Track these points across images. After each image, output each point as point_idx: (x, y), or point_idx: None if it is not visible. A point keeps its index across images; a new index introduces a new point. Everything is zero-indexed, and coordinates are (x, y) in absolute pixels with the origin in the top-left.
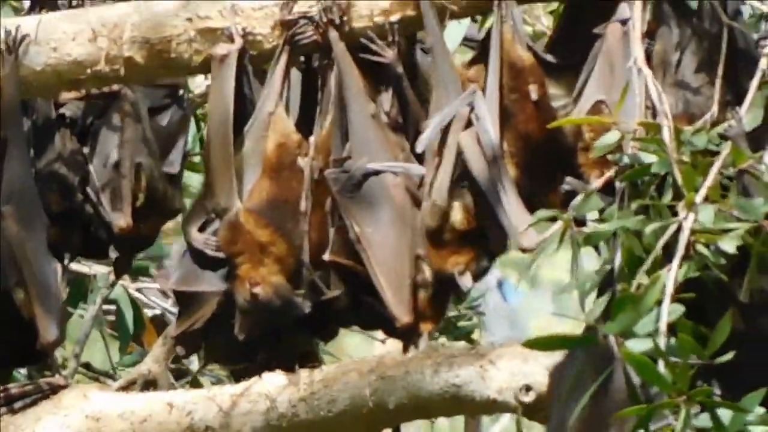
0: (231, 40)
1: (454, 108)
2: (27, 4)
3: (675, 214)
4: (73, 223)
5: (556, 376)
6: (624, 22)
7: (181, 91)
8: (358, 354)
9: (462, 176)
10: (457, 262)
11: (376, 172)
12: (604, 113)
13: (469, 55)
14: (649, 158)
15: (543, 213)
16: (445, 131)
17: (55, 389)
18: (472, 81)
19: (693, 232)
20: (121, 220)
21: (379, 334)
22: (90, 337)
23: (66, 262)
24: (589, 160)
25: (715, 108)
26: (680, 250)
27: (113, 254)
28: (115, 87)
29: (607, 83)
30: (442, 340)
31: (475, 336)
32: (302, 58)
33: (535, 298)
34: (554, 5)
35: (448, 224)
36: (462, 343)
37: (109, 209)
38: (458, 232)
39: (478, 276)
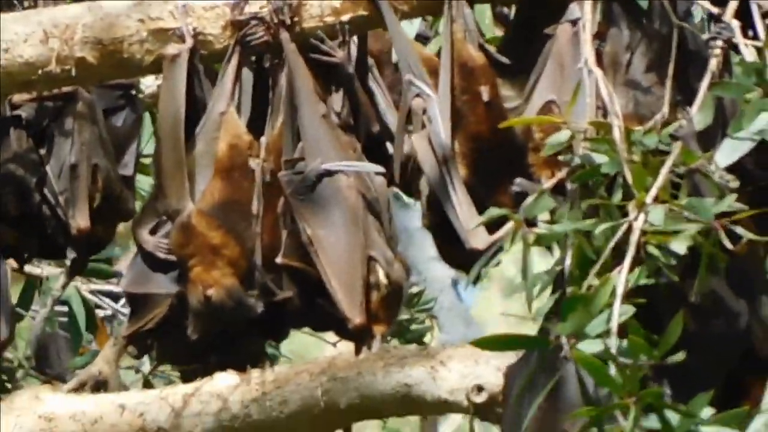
0: (182, 40)
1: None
2: None
3: (626, 214)
4: (30, 225)
5: (509, 376)
6: (574, 23)
7: (134, 92)
8: (309, 356)
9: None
10: None
11: (331, 173)
12: (555, 113)
13: None
14: (599, 158)
15: (493, 212)
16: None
17: None
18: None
19: (643, 232)
20: (79, 221)
21: (331, 337)
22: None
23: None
24: (540, 160)
25: (665, 108)
26: (631, 251)
27: (70, 255)
28: (70, 88)
29: (558, 84)
30: (394, 342)
31: (427, 339)
32: (254, 59)
33: (490, 298)
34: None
35: None
36: (414, 345)
37: (67, 211)
38: None
39: None
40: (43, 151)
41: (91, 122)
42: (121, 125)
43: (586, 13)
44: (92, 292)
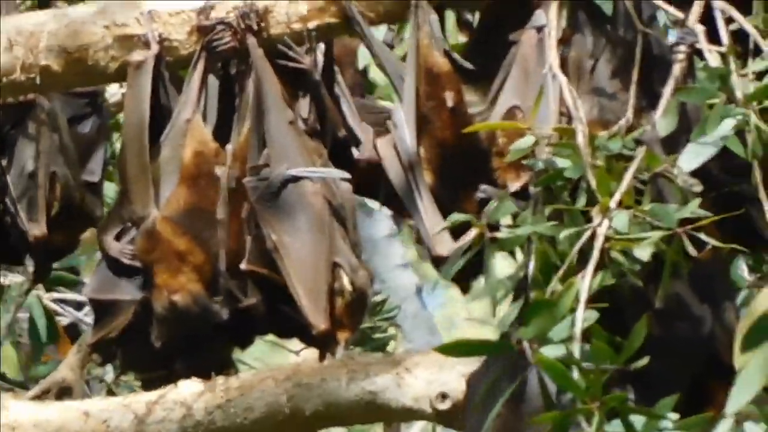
0: (147, 46)
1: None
2: None
3: (589, 219)
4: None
5: (472, 383)
6: (539, 29)
7: (99, 99)
8: (271, 363)
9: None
10: None
11: (296, 178)
12: (519, 119)
13: None
14: (563, 163)
15: (456, 217)
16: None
17: None
18: None
19: (607, 238)
20: (36, 229)
21: (294, 345)
22: (2, 346)
23: None
24: (504, 165)
25: (630, 113)
26: (595, 256)
27: (29, 263)
28: (30, 96)
29: (522, 89)
30: (358, 351)
31: (390, 348)
32: (220, 65)
33: (455, 302)
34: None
35: None
36: (379, 353)
37: (25, 218)
38: None
39: None
40: (3, 160)
41: (51, 130)
42: (87, 132)
43: (551, 19)
44: (54, 300)
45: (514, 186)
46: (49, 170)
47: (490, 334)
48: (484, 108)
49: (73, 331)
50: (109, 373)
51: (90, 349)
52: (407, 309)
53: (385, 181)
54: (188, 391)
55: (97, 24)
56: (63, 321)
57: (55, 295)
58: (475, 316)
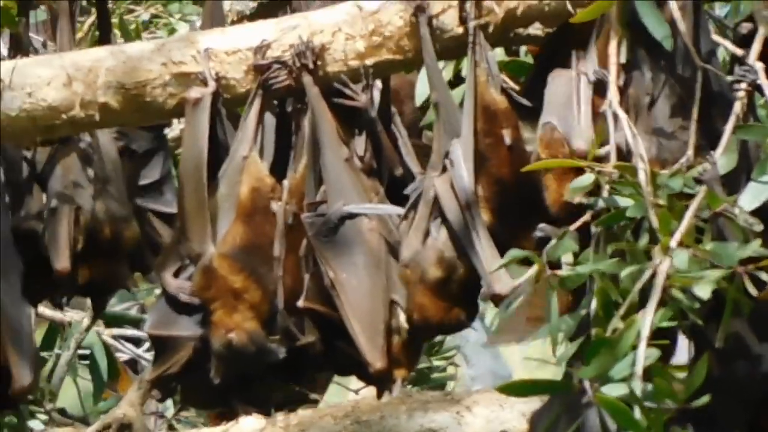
0: (205, 84)
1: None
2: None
3: (651, 257)
4: (43, 270)
5: (533, 421)
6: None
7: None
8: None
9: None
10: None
11: (353, 215)
12: (556, 136)
13: None
14: (624, 202)
15: (515, 254)
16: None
17: None
18: None
19: (668, 276)
20: (58, 263)
21: (353, 384)
22: (64, 382)
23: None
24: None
25: (690, 151)
26: (655, 294)
27: (88, 300)
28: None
29: (557, 107)
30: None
31: (450, 386)
32: (276, 102)
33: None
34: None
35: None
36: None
37: (49, 253)
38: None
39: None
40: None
41: (84, 163)
42: (159, 166)
43: (610, 55)
44: (114, 337)
45: (574, 225)
46: (74, 205)
47: (550, 369)
48: None
49: (133, 367)
50: (169, 408)
51: (150, 384)
52: (469, 334)
53: (442, 219)
54: (249, 427)
55: (154, 61)
56: (123, 357)
57: (115, 331)
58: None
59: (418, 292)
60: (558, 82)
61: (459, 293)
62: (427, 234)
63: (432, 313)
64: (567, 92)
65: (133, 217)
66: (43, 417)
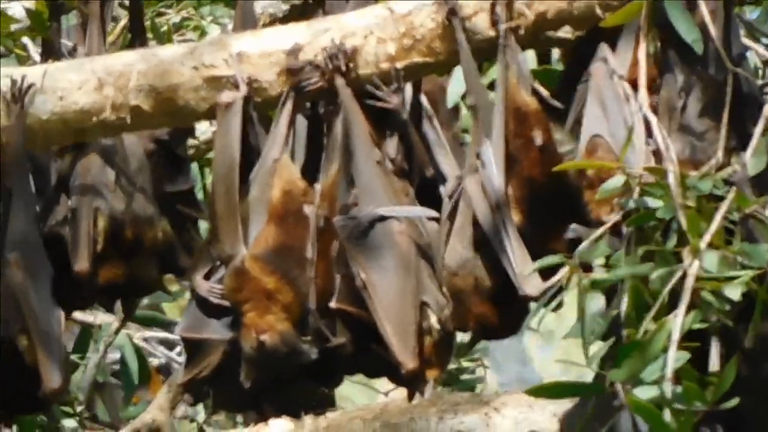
0: (236, 87)
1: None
2: (33, 53)
3: (680, 259)
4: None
5: (564, 423)
6: (605, 60)
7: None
8: (361, 401)
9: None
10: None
11: (384, 218)
12: (602, 148)
13: None
14: (654, 203)
15: (549, 258)
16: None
17: None
18: None
19: (698, 278)
20: (77, 264)
21: (383, 386)
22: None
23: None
24: (596, 199)
25: (720, 153)
26: (686, 296)
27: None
28: None
29: (601, 119)
30: (446, 391)
31: (479, 389)
32: (308, 105)
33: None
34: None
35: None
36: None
37: (72, 255)
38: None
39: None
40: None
41: (104, 164)
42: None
43: (640, 58)
44: (146, 339)
45: (605, 227)
46: (93, 205)
47: (582, 372)
48: (573, 146)
49: (165, 370)
50: (200, 413)
51: (181, 388)
52: (495, 349)
53: (473, 223)
54: (279, 429)
55: (185, 65)
56: (155, 361)
57: (147, 334)
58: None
59: (473, 300)
60: (601, 93)
61: (511, 299)
62: (468, 238)
63: (490, 321)
64: (614, 105)
65: (160, 219)
66: (73, 422)
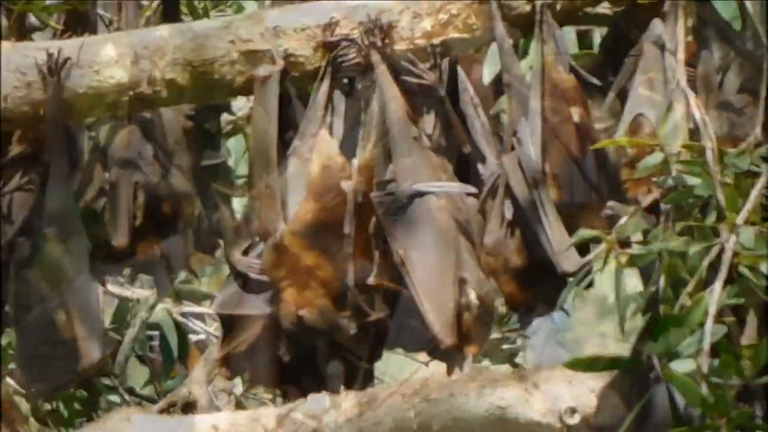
0: (273, 61)
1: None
2: None
3: (717, 235)
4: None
5: (602, 397)
6: (657, 41)
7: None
8: (401, 375)
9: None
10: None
11: (422, 194)
12: (645, 127)
13: None
14: (692, 180)
15: (584, 233)
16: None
17: None
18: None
19: (735, 254)
20: (116, 239)
21: (423, 356)
22: (132, 361)
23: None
24: (634, 178)
25: (758, 129)
26: (723, 271)
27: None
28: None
29: (648, 99)
30: (486, 363)
31: (519, 360)
32: (346, 81)
33: (582, 314)
34: None
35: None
36: (506, 366)
37: (109, 228)
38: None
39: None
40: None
41: (142, 139)
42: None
43: (678, 35)
44: (184, 314)
45: (646, 200)
46: (132, 180)
47: (620, 347)
48: (611, 123)
49: (203, 345)
50: (237, 386)
51: (218, 363)
52: (535, 323)
53: (510, 198)
54: (317, 404)
55: (222, 39)
56: (195, 337)
57: (186, 308)
58: (602, 330)
59: (510, 277)
60: (650, 72)
61: (548, 275)
62: (503, 219)
63: (521, 301)
64: (663, 86)
65: (196, 195)
66: (115, 396)
